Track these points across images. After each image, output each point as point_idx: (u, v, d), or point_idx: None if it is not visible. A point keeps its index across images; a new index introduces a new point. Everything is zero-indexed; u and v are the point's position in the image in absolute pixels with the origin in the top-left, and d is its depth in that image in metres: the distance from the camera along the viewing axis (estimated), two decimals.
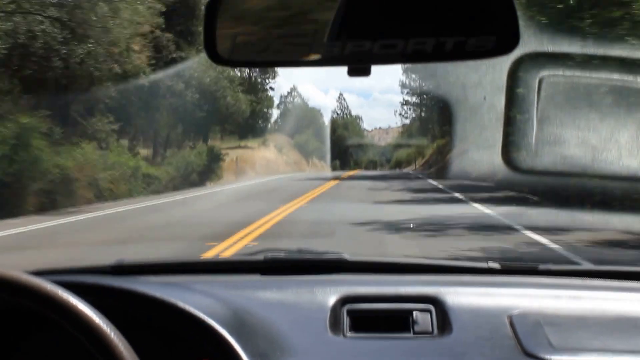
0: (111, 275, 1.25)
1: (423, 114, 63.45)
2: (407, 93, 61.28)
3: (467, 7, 0.75)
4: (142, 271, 1.34)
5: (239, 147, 42.43)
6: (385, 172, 39.70)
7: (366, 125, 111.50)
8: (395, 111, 72.86)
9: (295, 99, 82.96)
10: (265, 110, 59.54)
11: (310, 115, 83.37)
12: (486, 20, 0.76)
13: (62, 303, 0.75)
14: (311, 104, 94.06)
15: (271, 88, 49.14)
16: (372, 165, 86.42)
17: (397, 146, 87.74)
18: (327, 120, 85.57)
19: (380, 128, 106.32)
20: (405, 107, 70.53)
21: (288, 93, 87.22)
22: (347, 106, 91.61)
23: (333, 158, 74.43)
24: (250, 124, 49.24)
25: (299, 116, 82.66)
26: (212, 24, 0.78)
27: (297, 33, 0.76)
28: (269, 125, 60.18)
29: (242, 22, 0.78)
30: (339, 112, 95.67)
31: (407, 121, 74.27)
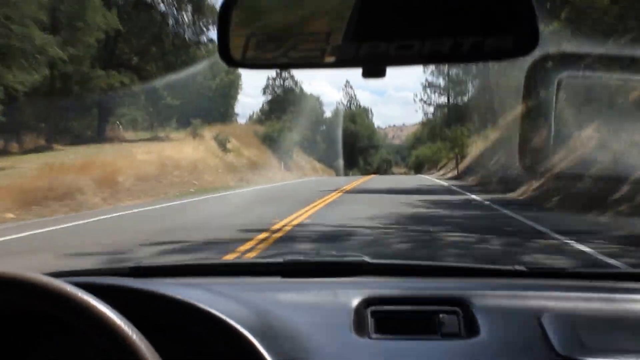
0: (130, 277, 1.28)
1: (456, 97, 40.14)
2: (432, 73, 51.84)
3: (484, 7, 0.76)
4: (160, 273, 1.40)
5: (156, 138, 28.97)
6: (413, 191, 18.17)
7: (380, 123, 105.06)
8: (416, 95, 47.94)
9: (287, 82, 59.77)
10: (227, 90, 45.62)
11: (304, 102, 68.88)
12: (504, 21, 0.76)
13: (84, 305, 0.77)
14: (325, 101, 68.57)
15: (210, 41, 27.23)
16: (386, 165, 78.61)
17: (417, 142, 74.51)
18: (329, 112, 75.74)
19: (394, 125, 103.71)
20: (429, 90, 47.45)
21: (277, 74, 63.26)
22: (355, 96, 69.44)
23: (336, 157, 64.83)
24: (189, 106, 25.20)
25: (289, 103, 68.71)
26: (225, 26, 0.80)
27: (311, 34, 0.78)
28: (243, 114, 44.09)
29: (255, 24, 0.80)
30: (345, 102, 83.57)
31: (431, 108, 60.56)
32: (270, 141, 36.81)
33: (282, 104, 68.48)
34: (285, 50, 0.79)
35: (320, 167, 53.06)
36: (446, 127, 45.56)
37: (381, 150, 79.36)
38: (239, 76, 42.56)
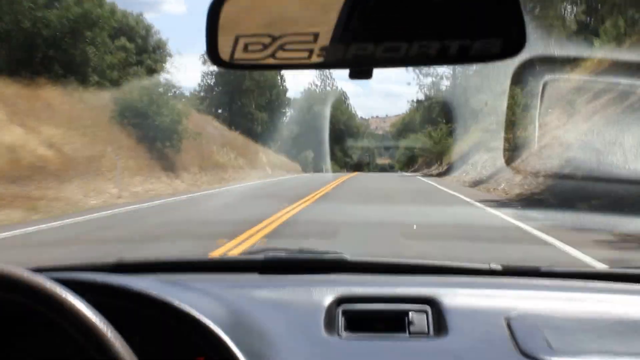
0: (111, 272, 1.34)
1: None
2: None
3: (472, 9, 0.79)
4: (142, 269, 1.45)
5: None
6: None
7: (362, 114, 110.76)
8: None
9: None
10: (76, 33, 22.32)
11: (256, 75, 50.54)
12: (492, 23, 0.79)
13: (60, 300, 0.81)
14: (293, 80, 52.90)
15: None
16: (369, 157, 67.14)
17: (406, 129, 58.68)
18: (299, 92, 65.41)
19: (377, 117, 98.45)
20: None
21: None
22: (331, 75, 68.31)
23: (305, 148, 49.71)
24: None
25: (236, 75, 50.13)
26: (214, 27, 0.82)
27: (299, 36, 0.80)
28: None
29: (243, 25, 0.83)
30: (318, 83, 67.97)
31: (429, 79, 46.07)
32: (136, 119, 17.44)
33: (227, 76, 49.13)
34: (273, 51, 0.81)
35: (271, 162, 38.34)
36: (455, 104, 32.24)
37: (362, 140, 68.52)
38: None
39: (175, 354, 1.03)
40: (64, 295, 0.79)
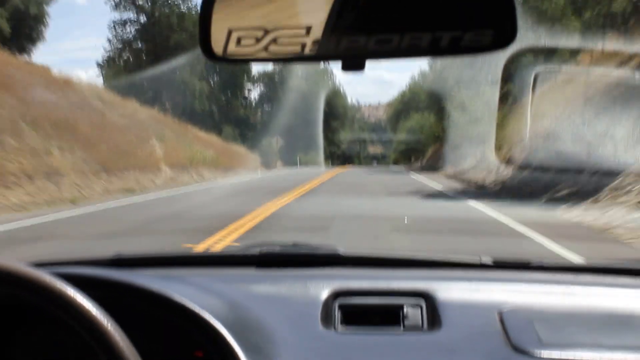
0: (110, 267, 1.50)
1: None
2: None
3: (463, 0, 0.85)
4: (140, 264, 1.58)
5: None
6: None
7: (354, 102, 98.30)
8: None
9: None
10: None
11: (191, 26, 42.15)
12: (483, 14, 0.84)
13: (60, 295, 0.86)
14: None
15: None
16: (360, 146, 56.66)
17: (405, 110, 47.41)
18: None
19: (369, 105, 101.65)
20: None
21: None
22: None
23: (273, 134, 39.73)
24: None
25: (163, 30, 40.39)
26: (207, 21, 0.87)
27: (292, 29, 0.85)
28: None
29: (236, 19, 0.87)
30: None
31: None
32: None
33: (149, 30, 32.01)
34: (266, 44, 0.85)
35: (180, 157, 24.09)
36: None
37: (352, 125, 55.79)
38: None
39: (174, 347, 1.10)
40: (63, 289, 0.84)
